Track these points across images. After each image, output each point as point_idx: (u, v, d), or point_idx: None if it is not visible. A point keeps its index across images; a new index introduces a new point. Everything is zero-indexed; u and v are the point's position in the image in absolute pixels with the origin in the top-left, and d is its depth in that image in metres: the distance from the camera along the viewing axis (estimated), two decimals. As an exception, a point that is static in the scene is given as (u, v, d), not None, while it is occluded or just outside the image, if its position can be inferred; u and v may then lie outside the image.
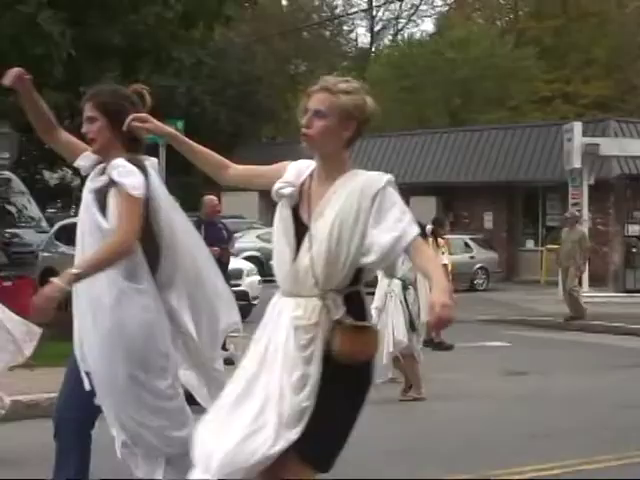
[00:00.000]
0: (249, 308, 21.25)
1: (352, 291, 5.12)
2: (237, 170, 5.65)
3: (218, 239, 15.69)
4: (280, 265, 5.22)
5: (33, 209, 24.56)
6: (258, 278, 23.02)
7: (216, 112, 47.98)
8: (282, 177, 5.29)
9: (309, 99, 5.19)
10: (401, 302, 13.08)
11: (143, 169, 6.02)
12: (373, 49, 67.68)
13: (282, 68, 57.72)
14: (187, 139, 5.55)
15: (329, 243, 5.02)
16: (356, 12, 65.18)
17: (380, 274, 12.12)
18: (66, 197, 46.74)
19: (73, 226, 19.53)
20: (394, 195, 5.12)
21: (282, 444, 4.88)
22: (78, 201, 36.98)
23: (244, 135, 52.25)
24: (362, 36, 69.11)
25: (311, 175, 5.25)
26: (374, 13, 65.86)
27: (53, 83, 25.19)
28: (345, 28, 67.18)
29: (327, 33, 65.63)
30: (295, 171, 5.28)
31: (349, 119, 5.14)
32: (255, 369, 5.10)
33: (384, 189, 5.09)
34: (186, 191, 27.35)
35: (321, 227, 5.07)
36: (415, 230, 5.06)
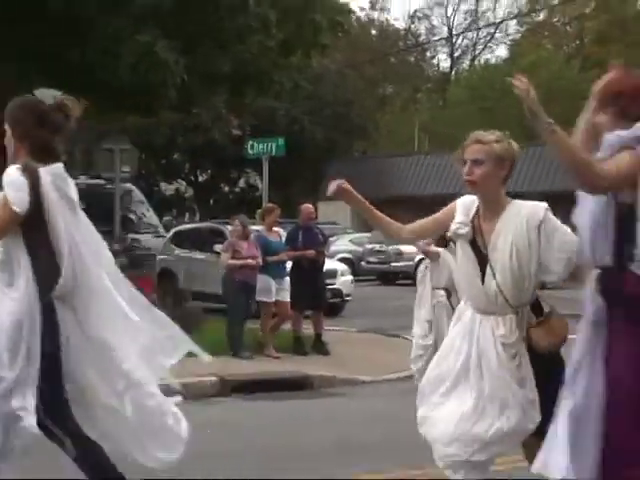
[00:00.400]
0: (343, 305, 21.36)
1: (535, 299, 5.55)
2: (412, 229, 5.94)
3: (314, 243, 15.76)
4: (471, 288, 5.56)
5: (151, 217, 24.81)
6: (351, 278, 23.04)
7: (313, 130, 48.02)
8: (455, 218, 5.61)
9: (464, 152, 5.53)
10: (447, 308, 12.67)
11: (34, 177, 5.64)
12: (453, 73, 67.32)
13: (372, 91, 57.62)
14: (371, 207, 5.94)
15: (512, 272, 5.38)
16: (438, 40, 64.90)
17: (423, 288, 11.70)
18: (180, 206, 47.20)
19: (187, 232, 19.65)
20: (552, 220, 5.41)
21: (530, 425, 5.37)
22: (190, 210, 37.48)
23: (338, 150, 52.30)
24: (443, 61, 68.61)
25: (477, 211, 5.56)
26: (454, 40, 65.55)
27: (168, 105, 25.50)
28: (428, 54, 66.99)
29: (412, 59, 65.39)
30: (463, 209, 5.61)
31: (503, 162, 5.47)
32: (458, 371, 5.53)
33: (545, 217, 5.40)
34: (286, 200, 27.43)
35: (499, 258, 5.41)
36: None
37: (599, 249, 4.91)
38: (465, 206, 5.63)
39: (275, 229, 15.78)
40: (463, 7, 64.65)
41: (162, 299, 18.25)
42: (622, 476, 4.92)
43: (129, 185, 23.23)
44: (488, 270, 5.44)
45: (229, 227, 17.89)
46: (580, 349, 5.04)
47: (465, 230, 5.56)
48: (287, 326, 15.53)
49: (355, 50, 53.60)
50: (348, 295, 22.14)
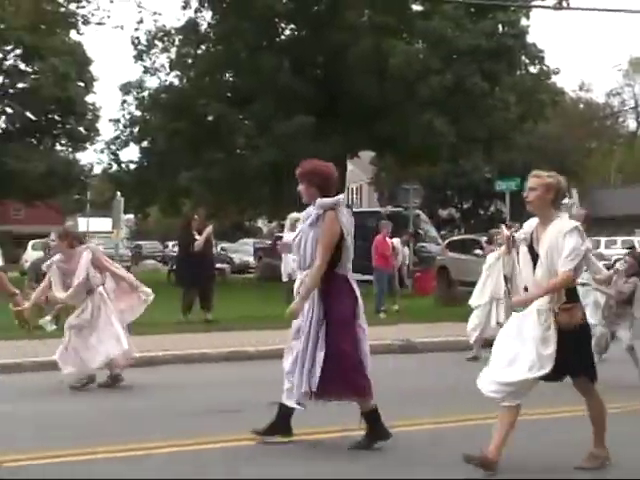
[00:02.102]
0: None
1: (570, 288, 5.19)
2: None
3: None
4: (526, 277, 5.30)
5: (433, 232, 24.94)
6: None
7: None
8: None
9: (529, 182, 5.36)
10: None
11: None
12: (639, 132, 63.30)
13: (580, 145, 55.16)
14: None
15: (547, 262, 5.12)
16: (627, 109, 61.43)
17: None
18: (451, 225, 47.05)
19: (456, 242, 19.08)
20: (573, 237, 5.09)
21: (543, 371, 5.04)
22: (458, 227, 36.78)
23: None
24: (631, 123, 64.43)
25: (537, 225, 5.31)
26: (639, 109, 61.76)
27: (443, 159, 25.54)
28: (620, 119, 63.42)
29: (608, 123, 62.05)
30: (527, 225, 5.41)
31: (550, 189, 5.25)
32: (514, 333, 5.23)
33: (569, 232, 5.10)
34: (525, 220, 26.76)
35: (542, 255, 5.16)
36: (566, 267, 5.03)
37: None
38: (530, 224, 5.40)
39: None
40: (646, 86, 60.88)
41: (440, 285, 18.30)
42: None
43: (418, 211, 23.44)
44: (538, 263, 5.18)
45: (484, 238, 17.67)
46: None
47: (522, 236, 5.37)
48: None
49: (568, 117, 51.53)
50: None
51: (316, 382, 5.40)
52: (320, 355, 5.39)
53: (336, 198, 5.57)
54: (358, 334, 5.54)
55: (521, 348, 5.12)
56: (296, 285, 5.70)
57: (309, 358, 5.42)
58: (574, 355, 5.11)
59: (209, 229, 13.13)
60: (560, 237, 5.11)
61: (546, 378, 5.15)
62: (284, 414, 5.64)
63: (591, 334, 5.38)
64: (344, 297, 5.49)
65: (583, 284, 9.59)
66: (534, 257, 5.26)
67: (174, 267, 26.12)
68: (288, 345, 5.67)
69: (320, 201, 5.53)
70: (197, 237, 12.86)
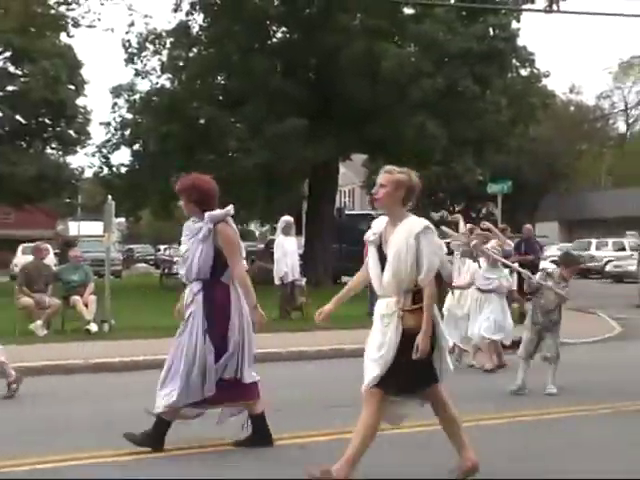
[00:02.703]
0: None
1: (416, 290, 4.82)
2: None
3: (533, 250, 15.38)
4: (375, 279, 4.99)
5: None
6: (558, 274, 22.29)
7: (531, 175, 47.06)
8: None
9: (379, 178, 5.04)
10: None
11: None
12: (628, 134, 63.49)
13: (570, 148, 55.25)
14: (345, 293, 5.39)
15: (396, 264, 4.83)
16: (617, 112, 61.69)
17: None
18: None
19: (447, 244, 19.15)
20: (429, 236, 4.82)
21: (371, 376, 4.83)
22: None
23: (548, 188, 50.91)
24: (621, 126, 64.61)
25: (386, 225, 5.01)
26: (628, 112, 62.09)
27: (435, 162, 25.59)
28: (610, 121, 63.65)
29: (598, 125, 62.27)
30: (376, 225, 5.10)
31: (400, 186, 4.92)
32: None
33: (422, 233, 4.82)
34: (513, 222, 26.77)
35: (389, 256, 4.88)
36: (426, 281, 4.79)
37: None
38: (379, 223, 5.08)
39: (508, 241, 15.48)
40: (634, 89, 61.08)
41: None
42: None
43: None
44: (386, 266, 4.87)
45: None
46: None
47: (372, 237, 5.06)
48: (514, 305, 15.14)
49: (559, 120, 51.71)
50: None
51: (210, 389, 5.52)
52: (210, 361, 5.49)
53: (225, 210, 5.72)
54: (242, 340, 5.62)
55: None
56: (185, 296, 5.75)
57: (199, 365, 5.49)
58: (415, 362, 4.73)
59: None
60: (410, 238, 4.82)
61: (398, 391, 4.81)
62: (162, 424, 5.64)
63: (438, 340, 4.91)
64: (227, 305, 5.57)
65: (484, 290, 9.17)
66: (382, 259, 4.96)
67: (166, 271, 26.14)
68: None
69: (210, 215, 5.65)
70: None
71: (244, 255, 5.72)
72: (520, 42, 23.95)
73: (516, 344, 8.70)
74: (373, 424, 4.80)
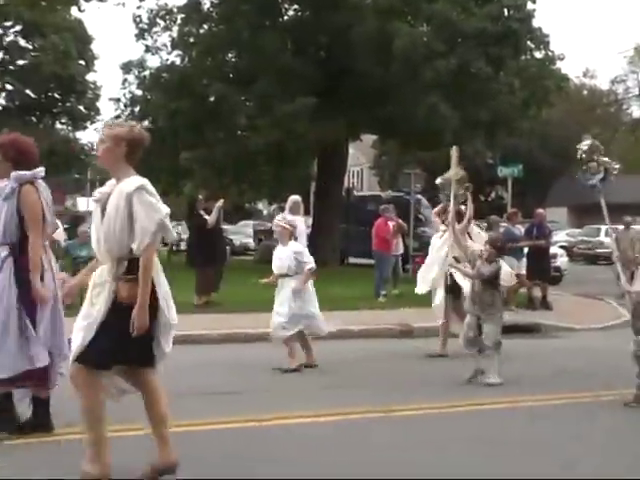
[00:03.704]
0: (561, 277, 20.54)
1: (132, 258, 4.33)
2: None
3: (543, 235, 15.28)
4: (94, 244, 4.53)
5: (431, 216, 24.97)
6: (567, 259, 22.24)
7: (542, 159, 46.77)
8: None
9: (100, 134, 4.60)
10: None
11: None
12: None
13: (583, 132, 54.99)
14: None
15: (106, 228, 4.38)
16: (631, 96, 61.17)
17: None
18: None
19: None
20: (143, 197, 4.32)
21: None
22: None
23: (559, 171, 50.61)
24: (635, 111, 64.22)
25: (114, 184, 4.51)
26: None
27: (446, 143, 25.39)
28: (624, 106, 63.14)
29: (612, 110, 61.78)
30: (108, 184, 4.58)
31: (120, 141, 4.43)
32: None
33: (134, 192, 4.33)
34: (523, 206, 26.66)
35: (105, 220, 4.43)
36: (143, 245, 4.28)
37: None
38: (110, 182, 4.55)
39: (517, 225, 15.42)
40: (651, 73, 60.49)
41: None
42: None
43: (419, 196, 23.34)
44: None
45: (484, 224, 17.59)
46: None
47: (98, 196, 4.55)
48: (522, 290, 15.12)
49: (571, 104, 51.33)
50: (565, 270, 21.30)
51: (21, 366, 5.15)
52: (9, 340, 5.10)
53: (33, 171, 5.34)
54: (55, 315, 5.27)
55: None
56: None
57: (11, 340, 5.11)
58: (132, 338, 4.27)
59: (219, 203, 13.09)
60: (122, 200, 4.34)
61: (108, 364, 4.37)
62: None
63: (159, 317, 4.42)
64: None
65: None
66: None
67: (175, 248, 26.16)
68: None
69: (16, 174, 5.29)
70: (206, 217, 12.87)
71: (60, 227, 5.26)
72: (535, 23, 23.70)
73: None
74: (92, 406, 4.37)
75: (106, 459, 4.40)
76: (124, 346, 4.31)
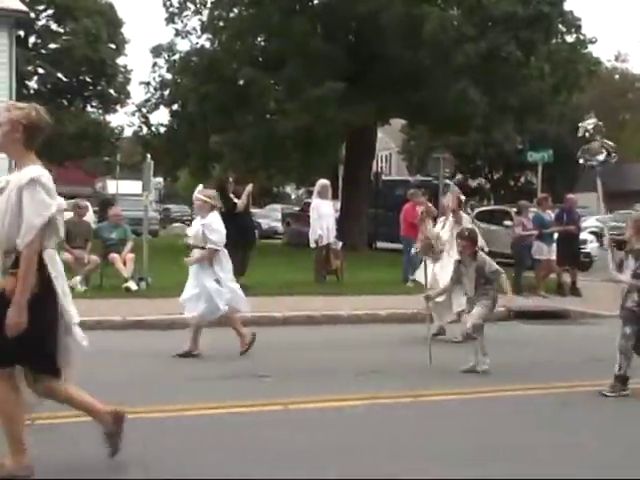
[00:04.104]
0: (591, 263, 20.32)
1: (19, 253, 4.10)
2: None
3: (573, 220, 15.14)
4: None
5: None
6: (597, 245, 21.91)
7: (572, 145, 46.08)
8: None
9: None
10: None
11: None
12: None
13: (614, 117, 54.19)
14: None
15: None
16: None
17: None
18: (481, 194, 46.55)
19: (485, 212, 18.76)
20: (32, 191, 4.04)
21: None
22: (487, 197, 36.18)
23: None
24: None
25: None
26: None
27: (475, 128, 25.20)
28: None
29: (629, 95, 60.98)
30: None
31: (16, 126, 4.13)
32: None
33: (26, 185, 4.06)
34: (552, 192, 26.46)
35: None
36: (24, 244, 4.05)
37: None
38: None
39: (548, 211, 15.28)
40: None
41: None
42: None
43: (448, 180, 23.20)
44: None
45: (514, 209, 17.45)
46: None
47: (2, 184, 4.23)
48: (552, 276, 14.99)
49: (602, 88, 50.63)
50: (595, 256, 21.07)
51: None
52: None
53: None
54: None
55: None
56: None
57: None
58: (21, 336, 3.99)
59: (249, 187, 13.05)
60: (14, 191, 4.06)
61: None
62: None
63: (52, 311, 4.17)
64: None
65: None
66: None
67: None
68: None
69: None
70: (235, 200, 12.84)
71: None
72: (566, 7, 23.37)
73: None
74: (6, 410, 4.10)
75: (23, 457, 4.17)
76: (13, 344, 4.02)
